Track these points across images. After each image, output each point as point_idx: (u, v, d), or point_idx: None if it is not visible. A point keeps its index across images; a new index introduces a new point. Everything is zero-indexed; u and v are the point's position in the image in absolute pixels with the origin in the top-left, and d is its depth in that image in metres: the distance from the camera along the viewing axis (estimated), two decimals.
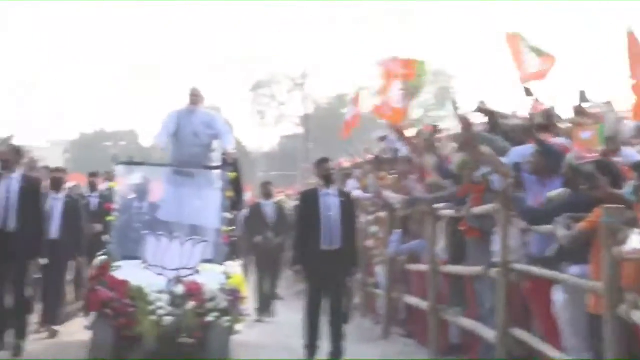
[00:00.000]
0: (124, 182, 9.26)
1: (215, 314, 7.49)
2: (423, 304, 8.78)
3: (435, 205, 8.29)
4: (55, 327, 9.67)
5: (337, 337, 8.26)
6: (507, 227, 6.61)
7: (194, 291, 7.54)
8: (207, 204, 8.72)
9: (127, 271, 7.73)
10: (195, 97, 9.09)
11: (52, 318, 9.76)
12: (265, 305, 12.28)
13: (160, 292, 7.52)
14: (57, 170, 10.74)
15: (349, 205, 8.51)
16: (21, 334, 8.43)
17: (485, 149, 7.19)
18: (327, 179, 8.46)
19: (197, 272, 7.73)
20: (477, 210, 7.15)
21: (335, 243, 8.21)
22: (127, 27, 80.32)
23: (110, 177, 11.64)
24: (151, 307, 7.41)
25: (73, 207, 10.06)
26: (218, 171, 8.85)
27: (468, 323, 7.61)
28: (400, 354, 8.90)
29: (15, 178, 8.40)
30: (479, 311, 7.44)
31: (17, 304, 8.45)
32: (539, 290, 6.15)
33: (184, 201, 8.74)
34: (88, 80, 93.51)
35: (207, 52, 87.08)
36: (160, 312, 7.41)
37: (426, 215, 8.55)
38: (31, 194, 8.42)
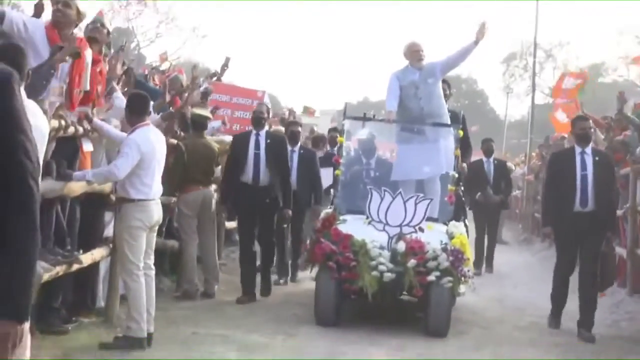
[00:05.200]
0: (352, 137, 9.30)
1: (437, 273, 7.35)
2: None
3: None
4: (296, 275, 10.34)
5: (590, 308, 7.82)
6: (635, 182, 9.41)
7: (415, 249, 7.43)
8: (434, 161, 8.49)
9: (351, 225, 7.76)
10: (415, 53, 8.56)
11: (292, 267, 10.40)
12: (487, 259, 12.82)
13: (382, 248, 7.50)
14: (294, 123, 10.95)
15: (606, 166, 8.03)
16: (267, 283, 9.03)
17: None
18: (582, 138, 8.01)
19: (421, 230, 7.60)
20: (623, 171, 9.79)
21: (590, 205, 7.81)
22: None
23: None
24: (373, 263, 7.41)
25: (308, 159, 10.17)
26: (447, 129, 8.57)
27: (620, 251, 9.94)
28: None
29: (262, 135, 8.85)
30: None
31: (264, 254, 9.05)
32: None
33: (411, 159, 8.54)
34: (354, 51, 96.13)
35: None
36: (382, 267, 7.39)
37: None
38: (277, 150, 8.84)
